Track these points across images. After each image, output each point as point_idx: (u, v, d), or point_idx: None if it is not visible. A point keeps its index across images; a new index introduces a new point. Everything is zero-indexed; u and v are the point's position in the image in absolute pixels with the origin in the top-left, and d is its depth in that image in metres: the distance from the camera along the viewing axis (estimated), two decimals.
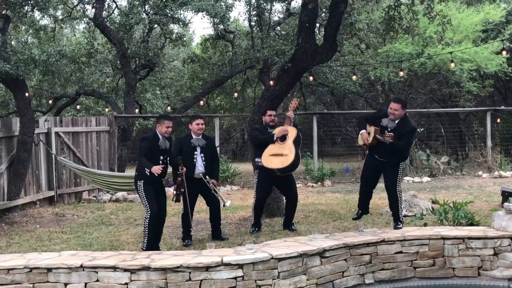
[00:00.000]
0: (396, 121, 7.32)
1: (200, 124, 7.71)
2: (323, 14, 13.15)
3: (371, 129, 7.38)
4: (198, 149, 7.67)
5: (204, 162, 7.67)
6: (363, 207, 7.90)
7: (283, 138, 7.90)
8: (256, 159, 8.22)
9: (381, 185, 12.59)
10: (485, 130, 15.96)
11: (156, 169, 6.76)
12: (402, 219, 7.55)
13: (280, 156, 7.79)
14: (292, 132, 7.94)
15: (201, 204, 8.42)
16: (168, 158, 7.28)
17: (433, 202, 9.75)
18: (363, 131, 7.43)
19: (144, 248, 7.04)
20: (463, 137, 18.68)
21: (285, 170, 7.85)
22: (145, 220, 7.13)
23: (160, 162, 7.07)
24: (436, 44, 14.41)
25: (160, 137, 7.17)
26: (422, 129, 16.31)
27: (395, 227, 7.39)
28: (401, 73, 13.72)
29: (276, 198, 9.16)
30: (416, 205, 9.23)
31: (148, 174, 6.84)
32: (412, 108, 18.19)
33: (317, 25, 12.97)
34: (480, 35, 16.27)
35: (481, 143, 16.75)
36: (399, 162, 7.48)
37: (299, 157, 7.97)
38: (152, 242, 7.14)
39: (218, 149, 14.47)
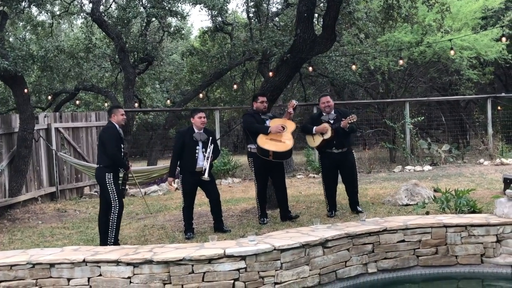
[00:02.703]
0: (333, 112, 8.29)
1: (202, 117, 7.66)
2: (321, 4, 13.06)
3: (325, 125, 8.14)
4: (200, 144, 7.62)
5: (205, 155, 7.64)
6: (335, 205, 8.58)
7: (281, 128, 7.93)
8: (249, 146, 8.20)
9: (381, 174, 12.56)
10: (486, 117, 15.92)
11: None
12: None
13: (278, 141, 7.83)
14: (291, 126, 7.99)
15: (202, 197, 8.42)
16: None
17: (435, 191, 9.74)
18: (315, 127, 8.22)
19: (111, 243, 7.00)
20: (464, 125, 18.64)
21: (279, 155, 7.86)
22: (112, 215, 7.04)
23: (123, 149, 7.23)
24: (435, 32, 14.30)
25: (117, 126, 7.26)
26: (423, 117, 16.25)
27: (360, 211, 8.27)
28: (401, 62, 13.68)
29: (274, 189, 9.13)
30: (418, 194, 9.22)
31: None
32: (412, 96, 18.16)
33: (316, 15, 12.92)
34: (479, 22, 16.20)
35: (482, 131, 16.69)
36: (352, 147, 8.49)
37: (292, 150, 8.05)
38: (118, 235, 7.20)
39: (219, 141, 14.55)
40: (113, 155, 7.05)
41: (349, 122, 7.99)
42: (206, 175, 7.49)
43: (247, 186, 13.00)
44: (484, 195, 9.37)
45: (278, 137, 7.86)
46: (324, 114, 8.33)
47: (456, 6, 14.88)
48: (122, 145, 7.22)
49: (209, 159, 7.57)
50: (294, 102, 8.38)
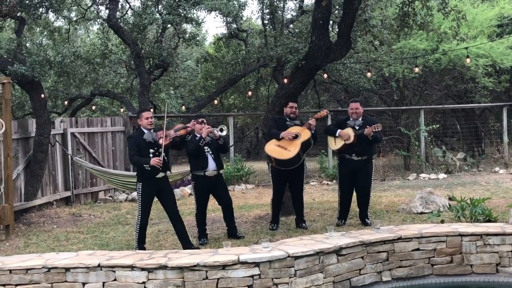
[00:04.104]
0: (360, 118, 8.19)
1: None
2: (336, 11, 13.08)
3: (348, 130, 8.09)
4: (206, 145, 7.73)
5: (212, 156, 7.69)
6: (346, 214, 8.56)
7: (295, 136, 7.88)
8: None
9: (396, 182, 12.49)
10: (501, 125, 15.82)
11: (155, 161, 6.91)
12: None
13: (284, 149, 7.81)
14: (305, 135, 7.90)
15: (216, 203, 8.43)
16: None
17: (450, 199, 9.68)
18: (339, 130, 8.14)
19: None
20: (479, 133, 18.49)
21: (280, 162, 7.85)
22: (136, 225, 7.35)
23: (151, 155, 7.05)
24: (451, 39, 14.26)
25: (145, 131, 7.17)
26: (438, 125, 16.16)
27: (367, 224, 8.21)
28: (416, 69, 13.63)
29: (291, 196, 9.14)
30: (432, 202, 9.18)
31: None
32: (427, 104, 18.07)
33: (331, 22, 12.89)
34: (495, 30, 16.10)
35: (497, 139, 16.57)
36: (373, 156, 8.45)
37: (300, 159, 7.88)
38: (141, 244, 7.26)
39: (232, 148, 14.60)
40: (132, 161, 7.48)
41: (374, 130, 7.91)
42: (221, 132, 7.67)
43: (261, 192, 12.99)
44: (499, 204, 9.30)
45: (287, 145, 7.82)
46: (351, 119, 8.28)
47: (471, 13, 14.81)
48: (151, 150, 7.09)
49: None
50: (325, 111, 8.39)
